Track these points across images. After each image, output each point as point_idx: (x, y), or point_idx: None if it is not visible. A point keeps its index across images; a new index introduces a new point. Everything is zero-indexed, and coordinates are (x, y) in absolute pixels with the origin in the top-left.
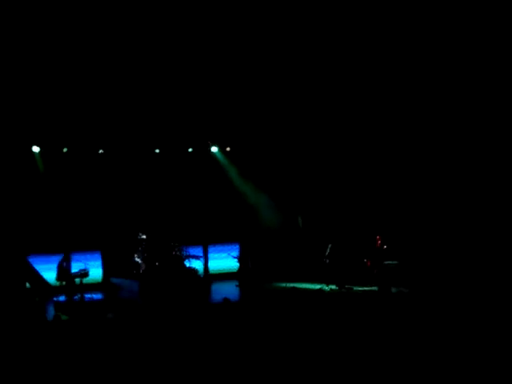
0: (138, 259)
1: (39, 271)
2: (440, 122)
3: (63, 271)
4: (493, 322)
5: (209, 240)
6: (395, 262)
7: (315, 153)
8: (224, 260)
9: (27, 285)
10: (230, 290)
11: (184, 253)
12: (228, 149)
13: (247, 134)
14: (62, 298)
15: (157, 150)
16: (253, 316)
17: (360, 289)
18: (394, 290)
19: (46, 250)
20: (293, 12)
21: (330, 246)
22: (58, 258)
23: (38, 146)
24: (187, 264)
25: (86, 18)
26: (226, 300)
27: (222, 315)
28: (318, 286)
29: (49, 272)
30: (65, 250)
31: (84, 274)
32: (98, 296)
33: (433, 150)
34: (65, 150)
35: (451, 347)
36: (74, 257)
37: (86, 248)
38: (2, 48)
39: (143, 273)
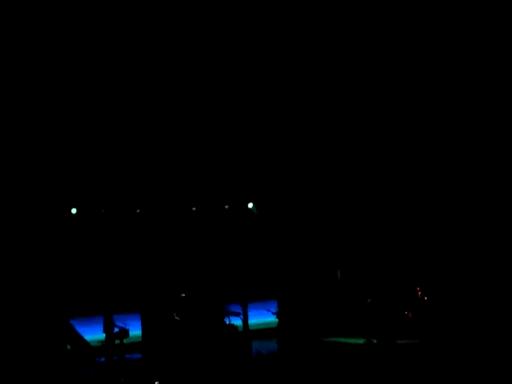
0: (177, 318)
1: (80, 333)
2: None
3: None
4: None
5: (248, 297)
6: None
7: (351, 205)
8: (263, 316)
9: (68, 347)
10: (270, 347)
11: (223, 310)
12: (262, 205)
13: (283, 190)
14: (102, 359)
15: (193, 208)
16: (292, 372)
17: (402, 342)
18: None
19: (86, 313)
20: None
21: (369, 300)
22: (97, 320)
23: (75, 207)
24: (227, 321)
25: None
26: (265, 357)
27: (262, 372)
28: (358, 340)
29: (89, 333)
30: (105, 312)
31: (124, 333)
32: (137, 356)
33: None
34: (102, 210)
35: None
36: (115, 318)
37: (125, 309)
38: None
39: (183, 331)
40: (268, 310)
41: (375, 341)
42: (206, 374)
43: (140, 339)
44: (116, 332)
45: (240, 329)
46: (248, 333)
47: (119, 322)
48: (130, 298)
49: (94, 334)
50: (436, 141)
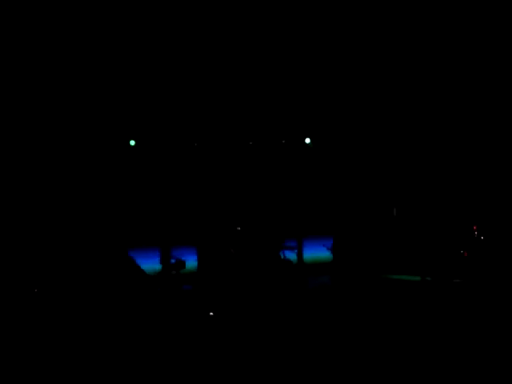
0: (233, 251)
1: (138, 263)
2: None
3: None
4: None
5: (303, 232)
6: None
7: (408, 142)
8: (318, 252)
9: (127, 278)
10: (324, 281)
11: (279, 244)
12: (319, 139)
13: (341, 124)
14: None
15: (250, 142)
16: (347, 306)
17: (457, 281)
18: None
19: (143, 244)
20: None
21: (423, 237)
22: (154, 252)
23: (134, 139)
24: (282, 255)
25: None
26: (319, 291)
27: (318, 305)
28: (413, 278)
29: (147, 264)
30: (162, 244)
31: (181, 264)
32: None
33: None
34: (161, 143)
35: None
36: (172, 250)
37: (182, 242)
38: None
39: (238, 264)
40: (323, 245)
41: (429, 278)
42: (262, 306)
43: (196, 271)
44: (172, 263)
45: (295, 263)
46: (303, 267)
47: (176, 254)
48: (187, 231)
49: (151, 264)
50: None
